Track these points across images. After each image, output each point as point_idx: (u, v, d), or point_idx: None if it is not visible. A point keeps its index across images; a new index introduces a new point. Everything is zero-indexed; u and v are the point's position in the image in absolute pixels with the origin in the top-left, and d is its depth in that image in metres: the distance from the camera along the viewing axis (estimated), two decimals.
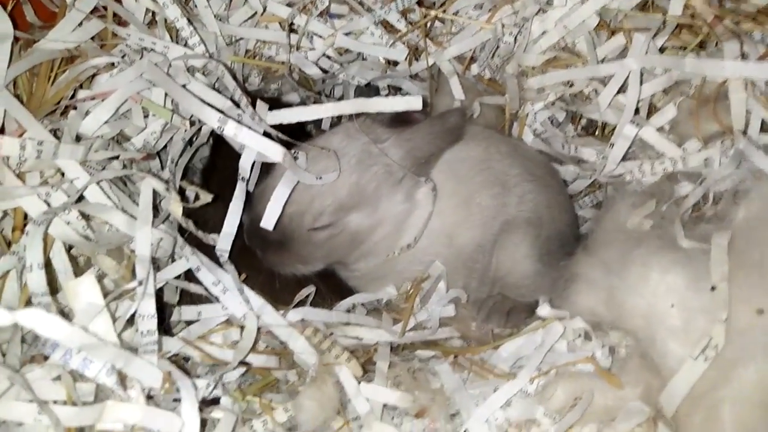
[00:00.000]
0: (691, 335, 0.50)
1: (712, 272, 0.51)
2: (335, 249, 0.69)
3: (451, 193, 0.72)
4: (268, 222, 0.60)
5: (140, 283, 0.48)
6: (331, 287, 0.74)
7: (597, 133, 0.79)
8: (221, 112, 0.60)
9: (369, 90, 0.90)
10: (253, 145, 0.60)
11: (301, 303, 0.67)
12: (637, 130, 0.65)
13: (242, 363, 0.59)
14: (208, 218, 0.62)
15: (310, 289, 0.67)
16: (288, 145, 0.62)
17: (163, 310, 0.62)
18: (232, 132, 0.59)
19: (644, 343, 0.53)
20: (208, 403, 0.56)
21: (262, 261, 0.69)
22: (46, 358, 0.46)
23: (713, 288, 0.50)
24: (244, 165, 0.62)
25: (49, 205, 0.52)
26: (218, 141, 0.74)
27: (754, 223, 0.52)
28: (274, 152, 0.60)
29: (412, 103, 0.64)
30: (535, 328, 0.61)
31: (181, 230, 0.61)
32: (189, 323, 0.61)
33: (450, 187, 0.72)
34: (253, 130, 0.60)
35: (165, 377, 0.46)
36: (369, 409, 0.57)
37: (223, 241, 0.59)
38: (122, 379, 0.47)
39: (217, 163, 0.76)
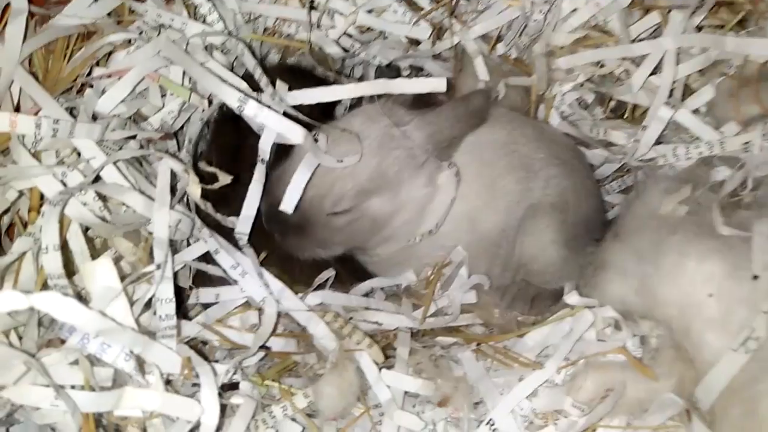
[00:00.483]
0: (729, 327, 0.48)
1: (754, 261, 0.48)
2: (355, 234, 0.67)
3: (475, 176, 0.70)
4: (287, 205, 0.59)
5: (158, 267, 0.47)
6: (350, 271, 0.72)
7: (627, 115, 0.76)
8: (241, 91, 0.58)
9: (390, 70, 0.88)
10: (274, 126, 0.58)
11: (320, 286, 0.66)
12: (672, 113, 0.63)
13: (261, 347, 0.58)
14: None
15: (329, 273, 0.65)
16: (308, 127, 0.60)
17: (180, 294, 0.61)
18: (252, 112, 0.57)
19: (678, 333, 0.51)
20: (226, 388, 0.55)
21: (280, 244, 0.67)
22: (63, 341, 0.45)
23: (755, 277, 0.48)
24: (264, 146, 0.60)
25: (65, 185, 0.51)
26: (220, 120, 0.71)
27: None
28: (295, 134, 0.58)
29: (436, 85, 0.62)
30: (563, 316, 0.59)
31: (197, 212, 0.59)
32: (206, 306, 0.60)
33: (473, 171, 0.70)
34: (274, 111, 0.58)
35: (184, 363, 0.44)
36: (390, 397, 0.56)
37: (243, 224, 0.58)
38: (140, 364, 0.46)
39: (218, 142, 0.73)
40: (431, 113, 0.66)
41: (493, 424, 0.54)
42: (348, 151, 0.63)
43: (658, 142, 0.66)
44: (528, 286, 0.71)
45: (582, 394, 0.52)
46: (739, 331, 0.47)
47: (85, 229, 0.55)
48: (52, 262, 0.45)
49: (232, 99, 0.57)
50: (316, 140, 0.61)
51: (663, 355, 0.53)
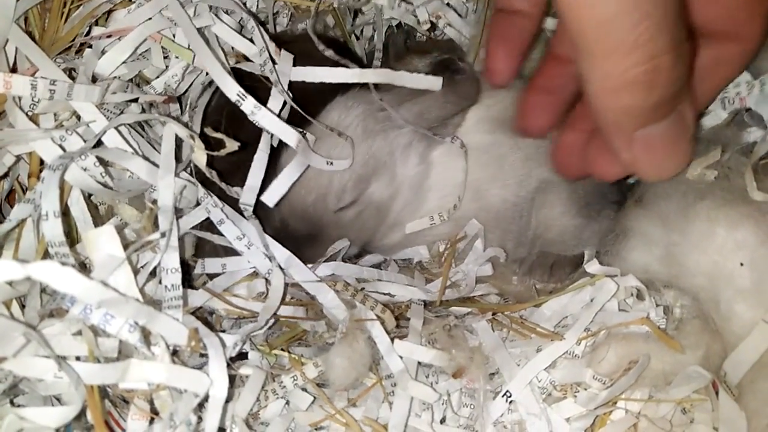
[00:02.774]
0: (762, 297, 0.45)
1: None
2: (364, 226, 0.66)
3: (481, 152, 0.68)
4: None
5: (163, 235, 0.45)
6: None
7: None
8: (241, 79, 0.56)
9: (400, 33, 0.84)
10: (270, 128, 0.56)
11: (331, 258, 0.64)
12: None
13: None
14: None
15: (343, 243, 0.63)
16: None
17: (185, 263, 0.59)
18: (249, 110, 0.55)
19: (706, 304, 0.49)
20: (235, 359, 0.54)
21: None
22: (67, 311, 0.44)
23: None
24: None
25: (64, 150, 0.49)
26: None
27: None
28: (289, 136, 0.56)
29: (432, 83, 0.62)
30: (582, 285, 0.57)
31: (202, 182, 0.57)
32: (212, 276, 0.59)
33: (481, 146, 0.68)
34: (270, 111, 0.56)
35: (191, 334, 0.43)
36: (403, 367, 0.54)
37: (247, 194, 0.56)
38: (146, 335, 0.44)
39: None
40: (421, 96, 0.64)
41: (509, 396, 0.53)
42: (339, 152, 0.62)
43: None
44: (546, 254, 0.69)
45: (604, 367, 0.50)
46: None
47: (88, 195, 0.53)
48: (53, 229, 0.43)
49: (231, 92, 0.54)
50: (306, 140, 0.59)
51: (689, 326, 0.51)
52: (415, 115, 0.64)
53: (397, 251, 0.71)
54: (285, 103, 0.58)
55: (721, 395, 0.48)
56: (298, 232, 0.62)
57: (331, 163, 0.60)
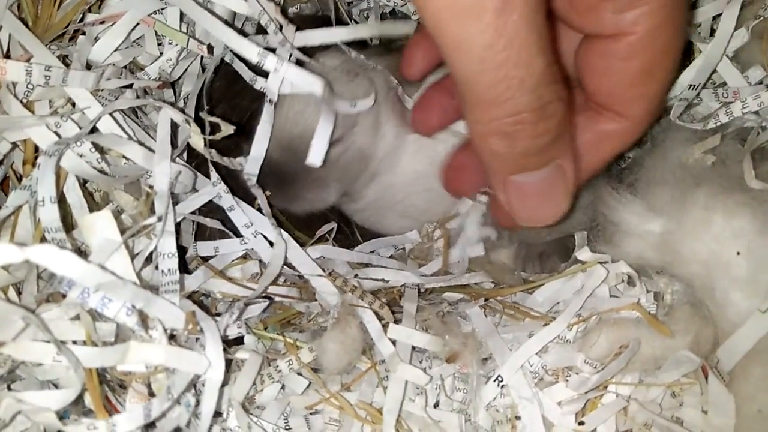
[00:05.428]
0: (759, 286, 0.46)
1: None
2: (348, 168, 0.67)
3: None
4: (315, 158, 0.57)
5: (159, 219, 0.45)
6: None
7: None
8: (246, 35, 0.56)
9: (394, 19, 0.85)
10: (294, 79, 0.56)
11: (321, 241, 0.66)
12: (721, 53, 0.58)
13: (265, 297, 0.57)
14: None
15: (331, 225, 0.64)
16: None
17: (181, 249, 0.59)
18: (272, 66, 0.55)
19: (701, 292, 0.50)
20: (231, 343, 0.55)
21: (280, 202, 0.66)
22: (64, 296, 0.44)
23: None
24: (272, 87, 0.58)
25: (59, 136, 0.49)
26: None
27: None
28: (315, 85, 0.56)
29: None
30: (574, 271, 0.57)
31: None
32: (205, 259, 0.59)
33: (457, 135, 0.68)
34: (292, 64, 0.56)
35: (188, 317, 0.43)
36: (393, 351, 0.55)
37: (251, 165, 0.56)
38: (143, 319, 0.45)
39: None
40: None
41: (501, 381, 0.53)
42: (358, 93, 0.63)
43: None
44: (529, 245, 0.70)
45: (595, 351, 0.51)
46: None
47: (84, 183, 0.53)
48: (50, 215, 0.43)
49: (251, 53, 0.54)
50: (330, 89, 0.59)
51: (679, 312, 0.51)
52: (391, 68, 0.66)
53: (375, 210, 0.72)
54: None
55: (711, 379, 0.49)
56: (283, 167, 0.62)
57: (355, 105, 0.61)
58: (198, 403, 0.46)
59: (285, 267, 0.61)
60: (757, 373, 0.46)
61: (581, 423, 0.51)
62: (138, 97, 0.58)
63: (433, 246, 0.71)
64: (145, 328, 0.44)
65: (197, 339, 0.48)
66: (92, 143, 0.49)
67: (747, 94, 0.55)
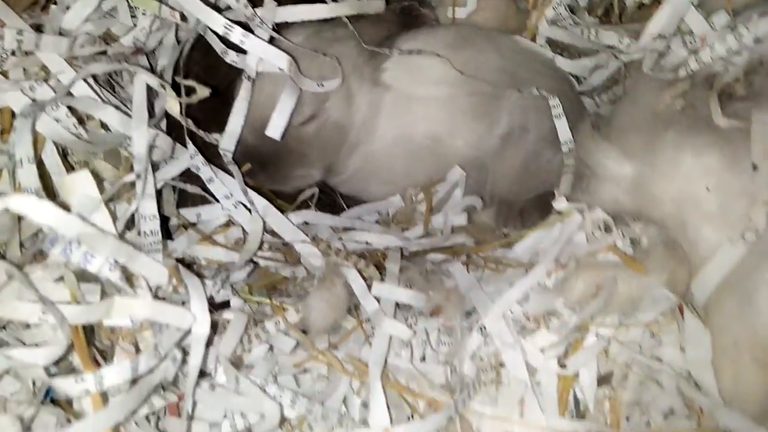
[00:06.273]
0: (728, 219, 0.47)
1: (753, 150, 0.47)
2: (327, 144, 0.68)
3: (440, 103, 0.69)
4: (274, 131, 0.58)
5: (138, 176, 0.46)
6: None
7: (614, 20, 0.74)
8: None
9: None
10: (260, 54, 0.58)
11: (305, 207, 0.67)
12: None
13: (250, 261, 0.57)
14: None
15: (312, 190, 0.65)
16: None
17: (165, 219, 0.60)
18: (238, 39, 0.56)
19: (674, 231, 0.51)
20: (217, 307, 0.55)
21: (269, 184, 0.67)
22: (46, 258, 0.44)
23: (755, 168, 0.47)
24: (250, 64, 0.59)
25: (35, 101, 0.49)
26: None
27: None
28: (281, 60, 0.57)
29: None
30: (552, 222, 0.59)
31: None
32: (187, 227, 0.59)
33: (439, 97, 0.69)
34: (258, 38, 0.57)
35: (171, 271, 0.44)
36: (378, 308, 0.56)
37: (227, 140, 0.57)
38: (128, 278, 0.45)
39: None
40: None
41: (484, 329, 0.54)
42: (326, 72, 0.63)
43: None
44: (509, 202, 0.71)
45: (573, 294, 0.52)
46: (737, 224, 0.47)
47: (64, 155, 0.53)
48: (28, 176, 0.43)
49: (217, 24, 0.55)
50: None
51: (654, 253, 0.53)
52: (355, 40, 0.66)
53: (359, 179, 0.72)
54: None
55: (686, 315, 0.50)
56: (261, 149, 0.63)
57: (322, 85, 0.62)
58: (185, 359, 0.46)
59: (268, 235, 0.61)
60: (730, 305, 0.48)
61: (563, 366, 0.52)
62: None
63: (416, 210, 0.72)
64: (130, 286, 0.44)
65: (183, 303, 0.49)
66: (68, 108, 0.49)
67: (713, 39, 0.56)
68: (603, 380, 0.53)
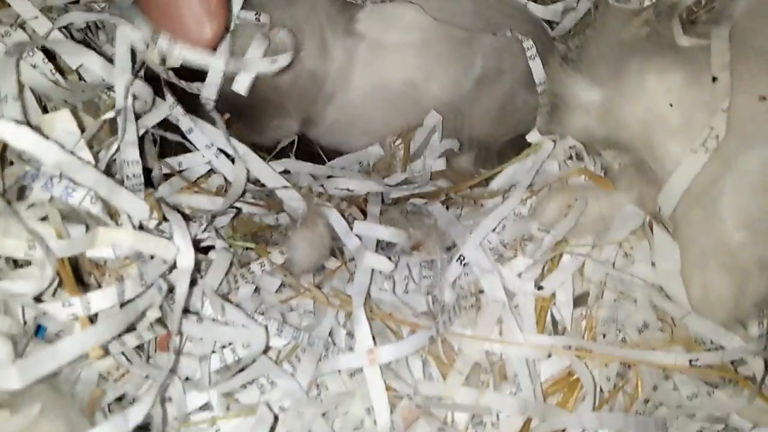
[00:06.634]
0: (691, 132, 0.49)
1: (713, 63, 0.49)
2: (303, 94, 0.68)
3: (415, 48, 0.70)
4: (240, 86, 0.58)
5: (119, 113, 0.47)
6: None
7: None
8: None
9: None
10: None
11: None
12: None
13: (233, 207, 0.59)
14: None
15: (291, 137, 0.66)
16: None
17: (147, 172, 0.61)
18: None
19: (642, 152, 0.52)
20: (203, 252, 0.56)
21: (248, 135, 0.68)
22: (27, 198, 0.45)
23: (714, 79, 0.48)
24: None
25: None
26: None
27: (756, 10, 0.50)
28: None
29: None
30: (525, 154, 0.60)
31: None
32: (168, 177, 0.60)
33: (413, 42, 0.70)
34: None
35: (153, 206, 0.45)
36: (360, 244, 0.57)
37: (208, 89, 0.58)
38: (112, 215, 0.46)
39: None
40: None
41: (463, 259, 0.56)
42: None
43: None
44: (488, 146, 0.73)
45: (546, 216, 0.53)
46: (701, 136, 0.48)
47: (44, 107, 0.54)
48: (12, 112, 0.44)
49: None
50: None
51: (623, 174, 0.54)
52: None
53: (339, 129, 0.73)
54: None
55: (656, 230, 0.52)
56: (239, 99, 0.62)
57: (276, 61, 0.61)
58: (171, 294, 0.47)
59: (250, 184, 0.62)
60: (696, 217, 0.49)
61: (540, 288, 0.54)
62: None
63: (395, 158, 0.74)
64: (115, 222, 0.45)
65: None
66: (44, 53, 0.49)
67: None
68: (579, 301, 0.54)
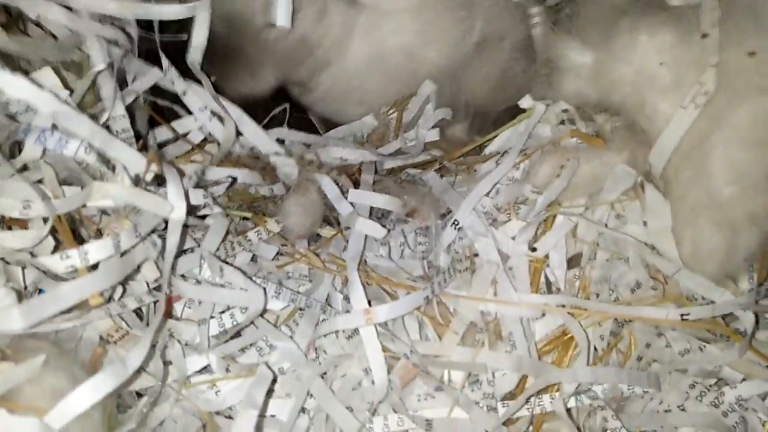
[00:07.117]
0: (681, 89, 0.49)
1: (702, 20, 0.49)
2: (288, 54, 0.67)
3: (413, 15, 0.69)
4: (282, 19, 0.58)
5: (110, 66, 0.47)
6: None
7: None
8: None
9: None
10: None
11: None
12: None
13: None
14: None
15: (284, 105, 0.66)
16: None
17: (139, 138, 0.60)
18: None
19: (633, 113, 0.53)
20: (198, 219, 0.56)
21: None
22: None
23: (704, 35, 0.49)
24: None
25: None
26: None
27: None
28: None
29: None
30: (519, 120, 0.61)
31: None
32: (162, 146, 0.60)
33: (409, 7, 0.69)
34: None
35: (150, 158, 0.45)
36: (353, 210, 0.57)
37: (194, 53, 0.58)
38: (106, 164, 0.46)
39: None
40: None
41: (458, 224, 0.56)
42: None
43: None
44: (483, 113, 0.73)
45: (539, 177, 0.54)
46: (690, 93, 0.49)
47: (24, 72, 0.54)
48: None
49: None
50: None
51: (615, 136, 0.55)
52: None
53: (331, 98, 0.73)
54: None
55: (647, 188, 0.52)
56: (220, 40, 0.62)
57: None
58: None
59: (243, 149, 0.63)
60: (687, 174, 0.50)
61: (534, 250, 0.54)
62: None
63: (389, 129, 0.74)
64: (111, 171, 0.45)
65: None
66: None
67: None
68: (572, 261, 0.55)
